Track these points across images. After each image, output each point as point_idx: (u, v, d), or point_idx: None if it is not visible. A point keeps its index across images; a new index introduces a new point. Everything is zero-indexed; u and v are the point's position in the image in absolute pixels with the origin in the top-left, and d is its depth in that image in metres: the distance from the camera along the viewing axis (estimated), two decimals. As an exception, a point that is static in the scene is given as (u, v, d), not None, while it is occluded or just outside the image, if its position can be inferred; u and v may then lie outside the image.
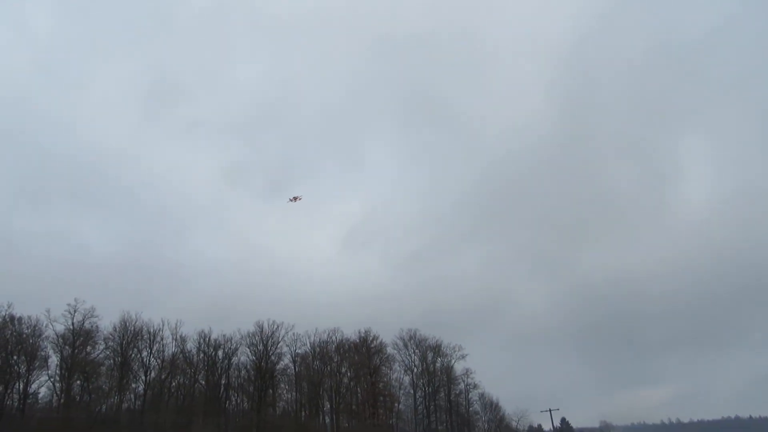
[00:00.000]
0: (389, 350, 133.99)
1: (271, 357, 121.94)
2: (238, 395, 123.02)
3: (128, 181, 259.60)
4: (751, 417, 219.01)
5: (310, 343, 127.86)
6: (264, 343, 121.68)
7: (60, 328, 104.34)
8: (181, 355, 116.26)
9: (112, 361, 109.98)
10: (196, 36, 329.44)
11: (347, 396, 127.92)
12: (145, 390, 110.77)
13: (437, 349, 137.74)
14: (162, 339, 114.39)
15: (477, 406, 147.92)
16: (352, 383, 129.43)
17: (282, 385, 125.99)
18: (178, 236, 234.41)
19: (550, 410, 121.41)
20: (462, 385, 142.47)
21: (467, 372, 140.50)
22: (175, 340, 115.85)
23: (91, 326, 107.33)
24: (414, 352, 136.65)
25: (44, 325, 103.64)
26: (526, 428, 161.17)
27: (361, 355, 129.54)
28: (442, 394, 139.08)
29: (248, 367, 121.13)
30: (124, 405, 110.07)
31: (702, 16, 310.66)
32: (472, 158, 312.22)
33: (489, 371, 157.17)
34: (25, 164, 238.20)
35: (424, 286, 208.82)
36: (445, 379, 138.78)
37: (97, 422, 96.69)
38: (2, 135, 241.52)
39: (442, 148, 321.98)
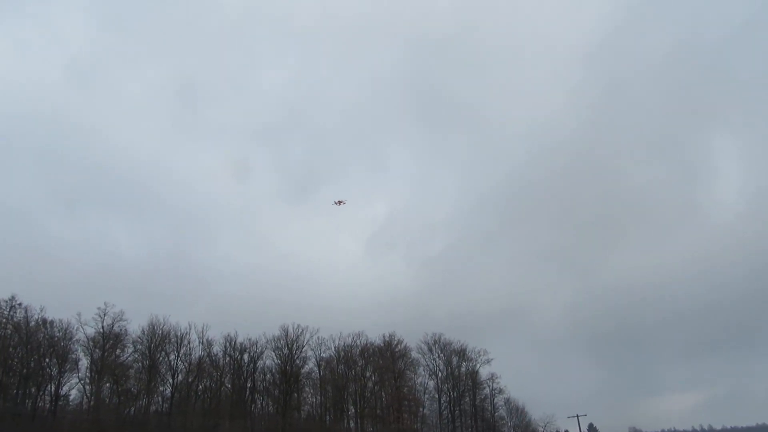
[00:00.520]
0: (414, 354, 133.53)
1: (296, 361, 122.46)
2: (263, 398, 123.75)
3: (157, 186, 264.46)
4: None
5: (335, 347, 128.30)
6: (289, 346, 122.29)
7: (90, 331, 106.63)
8: (207, 359, 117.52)
9: (140, 363, 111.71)
10: (223, 42, 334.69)
11: (372, 400, 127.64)
12: (172, 393, 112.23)
13: (462, 353, 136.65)
14: (189, 342, 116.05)
15: (502, 412, 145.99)
16: (376, 387, 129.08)
17: (307, 389, 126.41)
18: (205, 240, 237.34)
19: (577, 416, 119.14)
20: (487, 390, 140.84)
21: (492, 377, 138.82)
22: (202, 343, 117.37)
23: (121, 329, 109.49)
24: (438, 356, 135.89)
25: (75, 328, 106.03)
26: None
27: (385, 359, 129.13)
28: (467, 399, 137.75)
29: (273, 370, 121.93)
30: (152, 407, 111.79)
31: (727, 12, 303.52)
32: (496, 159, 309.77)
33: (515, 376, 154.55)
34: (58, 172, 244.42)
35: (448, 289, 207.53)
36: (470, 383, 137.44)
37: (126, 424, 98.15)
38: (36, 144, 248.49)
39: (465, 149, 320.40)
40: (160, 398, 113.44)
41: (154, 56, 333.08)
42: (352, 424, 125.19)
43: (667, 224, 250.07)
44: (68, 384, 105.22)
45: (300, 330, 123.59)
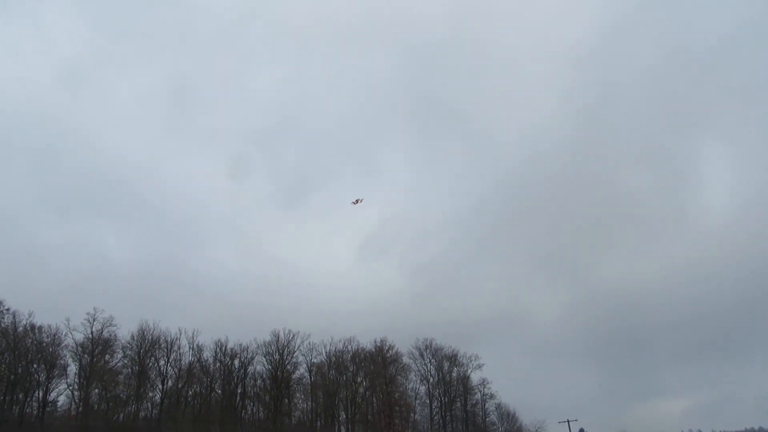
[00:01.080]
0: (405, 360, 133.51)
1: (287, 366, 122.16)
2: (254, 404, 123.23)
3: (147, 191, 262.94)
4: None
5: (326, 353, 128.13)
6: (280, 352, 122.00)
7: (79, 336, 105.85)
8: (197, 364, 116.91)
9: (129, 369, 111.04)
10: (216, 46, 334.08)
11: (363, 406, 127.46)
12: (162, 399, 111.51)
13: (453, 358, 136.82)
14: (179, 348, 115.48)
15: (493, 417, 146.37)
16: (367, 393, 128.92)
17: (298, 395, 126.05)
18: (196, 245, 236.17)
19: (567, 421, 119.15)
20: (478, 395, 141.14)
21: (484, 382, 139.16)
22: (192, 349, 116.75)
23: (110, 335, 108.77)
24: (430, 361, 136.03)
25: (64, 333, 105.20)
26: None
27: (376, 365, 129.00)
28: (458, 404, 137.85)
29: (264, 376, 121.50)
30: (141, 414, 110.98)
31: (719, 19, 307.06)
32: (488, 164, 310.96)
33: (506, 381, 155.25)
34: (47, 176, 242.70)
35: (440, 294, 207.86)
36: (462, 389, 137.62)
37: (114, 430, 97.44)
38: (26, 147, 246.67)
39: (458, 154, 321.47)
40: (149, 404, 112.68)
41: (147, 60, 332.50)
42: (343, 430, 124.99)
43: (658, 230, 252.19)
44: (56, 390, 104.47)
45: (291, 335, 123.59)
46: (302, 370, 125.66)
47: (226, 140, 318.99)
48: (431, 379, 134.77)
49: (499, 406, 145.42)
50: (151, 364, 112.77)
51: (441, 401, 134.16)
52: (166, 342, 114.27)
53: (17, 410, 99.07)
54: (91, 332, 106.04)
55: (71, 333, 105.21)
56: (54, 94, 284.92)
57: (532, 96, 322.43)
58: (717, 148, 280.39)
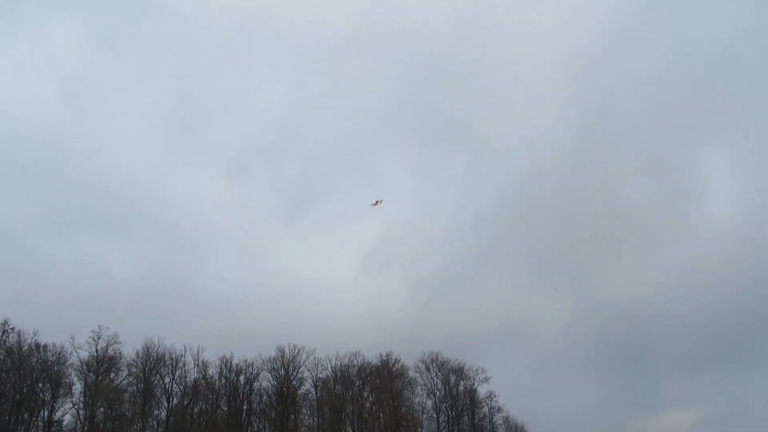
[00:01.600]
0: (411, 373, 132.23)
1: (292, 382, 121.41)
2: (260, 421, 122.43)
3: (150, 206, 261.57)
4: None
5: (332, 367, 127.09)
6: (285, 367, 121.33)
7: (84, 354, 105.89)
8: (203, 381, 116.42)
9: (135, 387, 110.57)
10: (217, 61, 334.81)
11: (369, 421, 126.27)
12: (167, 416, 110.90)
13: (460, 371, 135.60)
14: (184, 365, 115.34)
15: (501, 431, 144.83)
16: (374, 408, 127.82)
17: (304, 411, 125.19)
18: (199, 260, 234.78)
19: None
20: (486, 409, 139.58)
21: (491, 395, 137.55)
22: (197, 365, 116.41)
23: (115, 352, 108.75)
24: (436, 375, 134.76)
25: (69, 352, 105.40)
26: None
27: (382, 379, 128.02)
28: (466, 418, 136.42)
29: (270, 392, 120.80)
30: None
31: (720, 28, 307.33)
32: (490, 176, 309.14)
33: (513, 393, 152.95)
34: (51, 193, 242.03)
35: (444, 307, 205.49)
36: (469, 402, 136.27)
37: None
38: (30, 164, 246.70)
39: (460, 166, 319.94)
40: (155, 422, 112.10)
41: (149, 76, 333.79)
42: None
43: (661, 239, 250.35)
44: (62, 409, 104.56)
45: (296, 350, 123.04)
46: (308, 385, 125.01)
47: (228, 154, 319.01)
48: (438, 393, 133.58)
49: (507, 420, 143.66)
50: (156, 381, 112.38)
51: (448, 415, 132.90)
52: (171, 359, 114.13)
53: (23, 430, 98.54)
54: (96, 350, 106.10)
55: (76, 351, 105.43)
56: (57, 111, 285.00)
57: (533, 106, 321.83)
58: (719, 157, 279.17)
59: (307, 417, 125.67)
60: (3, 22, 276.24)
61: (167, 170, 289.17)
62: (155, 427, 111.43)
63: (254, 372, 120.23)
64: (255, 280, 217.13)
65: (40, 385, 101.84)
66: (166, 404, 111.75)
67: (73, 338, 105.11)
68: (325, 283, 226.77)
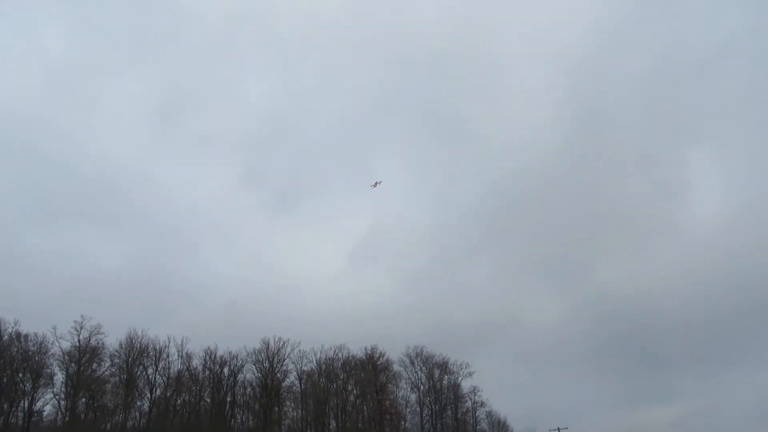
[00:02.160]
0: (396, 367, 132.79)
1: (276, 374, 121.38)
2: (243, 413, 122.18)
3: (137, 197, 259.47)
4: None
5: (316, 360, 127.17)
6: (270, 360, 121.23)
7: (66, 345, 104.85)
8: (186, 373, 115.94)
9: (117, 378, 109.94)
10: (207, 53, 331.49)
11: (353, 414, 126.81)
12: (150, 408, 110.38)
13: (444, 366, 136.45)
14: (168, 356, 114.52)
15: (484, 425, 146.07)
16: (358, 401, 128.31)
17: (288, 403, 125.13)
18: (186, 252, 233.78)
19: (558, 429, 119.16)
20: (469, 403, 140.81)
21: (474, 390, 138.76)
22: (181, 357, 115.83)
23: (97, 343, 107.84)
24: (420, 369, 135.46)
25: (50, 342, 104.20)
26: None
27: (367, 373, 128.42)
28: (449, 412, 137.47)
29: (254, 384, 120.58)
30: (129, 423, 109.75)
31: (712, 30, 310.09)
32: (481, 172, 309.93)
33: (497, 389, 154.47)
34: (36, 181, 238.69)
35: (431, 302, 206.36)
36: (452, 396, 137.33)
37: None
38: (14, 152, 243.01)
39: (450, 162, 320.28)
40: (137, 413, 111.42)
41: (137, 65, 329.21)
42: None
43: (649, 238, 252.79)
44: (42, 399, 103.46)
45: (281, 343, 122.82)
46: (292, 378, 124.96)
47: (216, 146, 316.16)
48: (422, 387, 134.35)
49: (489, 414, 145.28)
50: (139, 372, 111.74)
51: (432, 409, 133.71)
52: (155, 350, 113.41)
53: (2, 420, 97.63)
54: (79, 340, 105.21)
55: (58, 341, 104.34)
56: (43, 100, 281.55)
57: (524, 103, 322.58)
58: (707, 157, 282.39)
59: (291, 409, 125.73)
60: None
61: (155, 161, 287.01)
62: (138, 418, 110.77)
63: (239, 364, 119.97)
64: (242, 272, 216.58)
65: (21, 375, 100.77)
66: (149, 395, 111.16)
67: (55, 328, 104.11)
68: (312, 276, 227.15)
